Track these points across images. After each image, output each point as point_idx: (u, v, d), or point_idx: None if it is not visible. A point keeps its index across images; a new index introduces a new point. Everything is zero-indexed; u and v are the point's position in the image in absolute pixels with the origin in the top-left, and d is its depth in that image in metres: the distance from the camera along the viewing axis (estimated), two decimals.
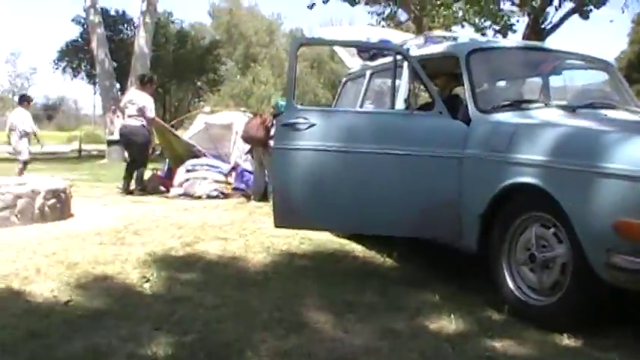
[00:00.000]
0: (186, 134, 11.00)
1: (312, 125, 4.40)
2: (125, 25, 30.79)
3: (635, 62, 38.75)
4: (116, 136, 10.86)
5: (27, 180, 7.40)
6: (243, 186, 9.49)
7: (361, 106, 5.64)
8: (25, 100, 11.89)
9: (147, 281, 4.14)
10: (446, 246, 4.43)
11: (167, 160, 10.64)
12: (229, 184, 9.66)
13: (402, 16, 21.50)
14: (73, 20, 30.00)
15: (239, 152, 9.79)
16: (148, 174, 10.01)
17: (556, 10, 18.80)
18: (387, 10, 21.48)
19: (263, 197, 8.76)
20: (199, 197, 9.09)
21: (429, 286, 4.17)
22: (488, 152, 3.86)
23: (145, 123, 9.32)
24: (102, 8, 22.03)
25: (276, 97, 11.53)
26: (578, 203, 3.16)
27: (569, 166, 3.24)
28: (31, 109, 12.04)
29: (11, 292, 3.81)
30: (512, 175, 3.61)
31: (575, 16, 18.41)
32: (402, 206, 4.22)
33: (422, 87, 4.83)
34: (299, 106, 4.71)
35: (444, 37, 5.65)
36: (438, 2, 18.42)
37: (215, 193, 9.27)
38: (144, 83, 9.78)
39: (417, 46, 5.41)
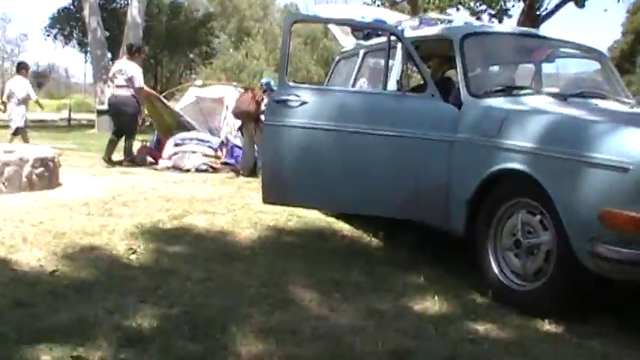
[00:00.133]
0: (176, 106, 10.93)
1: (304, 103, 4.40)
2: None
3: (627, 52, 38.86)
4: (106, 106, 10.74)
5: (15, 148, 7.37)
6: (232, 161, 9.49)
7: (353, 86, 5.64)
8: (23, 67, 11.79)
9: (134, 253, 4.15)
10: (433, 228, 4.46)
11: (156, 131, 10.60)
12: (218, 158, 9.64)
13: None
14: None
15: (229, 128, 9.76)
16: (136, 145, 9.99)
17: None
18: None
19: (252, 173, 8.77)
20: (188, 170, 9.07)
21: (415, 267, 4.19)
22: (478, 137, 3.88)
23: (134, 93, 9.28)
24: None
25: (267, 74, 11.48)
26: (565, 191, 3.19)
27: (557, 154, 3.27)
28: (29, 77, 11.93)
29: None
30: (501, 161, 3.63)
31: (571, 4, 18.40)
32: (391, 187, 4.24)
33: (415, 68, 4.83)
34: (291, 84, 4.71)
35: (439, 20, 5.65)
36: None
37: (204, 167, 9.26)
38: (132, 53, 9.72)
39: (411, 27, 5.40)
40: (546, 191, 3.28)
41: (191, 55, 35.09)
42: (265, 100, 8.56)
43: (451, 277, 4.03)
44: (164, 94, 11.76)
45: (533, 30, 6.30)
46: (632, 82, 30.96)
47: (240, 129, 9.19)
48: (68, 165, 8.42)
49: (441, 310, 3.43)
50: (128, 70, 9.28)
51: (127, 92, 9.24)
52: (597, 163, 3.04)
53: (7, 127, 11.65)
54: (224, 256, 4.23)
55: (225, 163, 9.52)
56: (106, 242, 4.37)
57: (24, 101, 11.14)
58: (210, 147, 9.66)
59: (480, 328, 3.20)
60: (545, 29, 16.65)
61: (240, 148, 9.37)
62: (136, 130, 9.79)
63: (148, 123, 11.16)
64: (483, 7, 19.25)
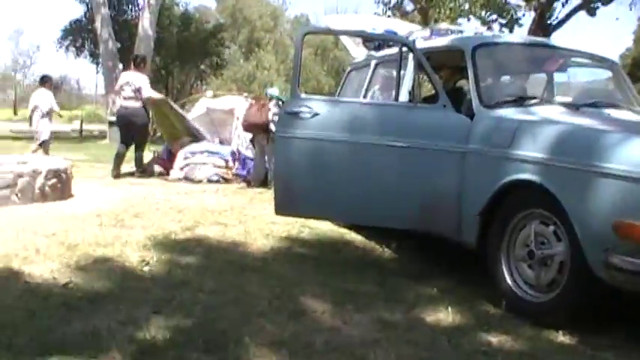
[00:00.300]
0: (187, 117, 10.98)
1: (316, 114, 4.41)
2: (129, 6, 30.57)
3: (639, 60, 38.68)
4: (114, 118, 10.81)
5: (28, 159, 7.41)
6: (244, 172, 9.51)
7: (365, 97, 5.65)
8: (46, 81, 11.92)
9: (146, 264, 4.16)
10: (446, 240, 4.44)
11: (166, 143, 10.64)
12: (229, 168, 9.67)
13: (409, 6, 21.44)
14: None
15: (240, 139, 9.78)
16: (147, 156, 10.02)
17: (563, 5, 18.77)
18: (394, 0, 21.40)
19: (263, 183, 8.80)
20: (199, 181, 9.11)
21: (428, 279, 4.19)
22: (490, 147, 3.87)
23: (143, 103, 9.34)
24: None
25: (278, 85, 11.54)
26: (578, 202, 3.18)
27: (570, 165, 3.26)
28: (51, 89, 12.04)
29: (11, 272, 3.81)
30: (513, 172, 3.62)
31: (582, 13, 18.37)
32: (403, 199, 4.24)
33: (426, 79, 4.83)
34: (303, 95, 4.72)
35: (450, 30, 5.65)
36: None
37: (215, 178, 9.30)
38: (137, 64, 9.80)
39: (422, 38, 5.41)
40: (560, 202, 3.27)
41: (202, 66, 35.15)
42: (272, 110, 8.62)
43: (464, 288, 4.01)
44: (175, 105, 11.78)
45: (544, 39, 6.30)
46: None
47: (251, 140, 9.22)
48: (80, 176, 8.44)
49: (454, 322, 3.41)
50: (135, 81, 9.33)
51: (136, 103, 9.29)
52: (611, 173, 3.03)
53: (20, 138, 11.73)
54: (236, 268, 4.23)
55: (237, 175, 9.54)
56: (119, 254, 4.38)
57: (48, 114, 11.26)
58: (221, 158, 9.69)
59: (494, 339, 3.18)
60: (557, 38, 16.66)
61: (251, 159, 9.38)
62: (147, 140, 9.83)
63: (159, 134, 11.21)
64: (494, 16, 19.22)
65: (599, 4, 17.86)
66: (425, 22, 17.66)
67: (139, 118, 9.35)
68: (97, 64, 29.83)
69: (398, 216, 4.31)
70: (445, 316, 3.48)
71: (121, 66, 22.32)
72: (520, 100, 4.32)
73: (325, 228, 5.64)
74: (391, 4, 21.43)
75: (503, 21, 18.77)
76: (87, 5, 27.85)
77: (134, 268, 4.10)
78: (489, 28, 18.29)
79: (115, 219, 5.65)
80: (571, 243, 3.26)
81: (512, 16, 18.60)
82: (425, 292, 3.92)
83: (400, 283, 4.10)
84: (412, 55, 4.60)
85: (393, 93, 4.59)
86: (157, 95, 9.78)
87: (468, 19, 19.90)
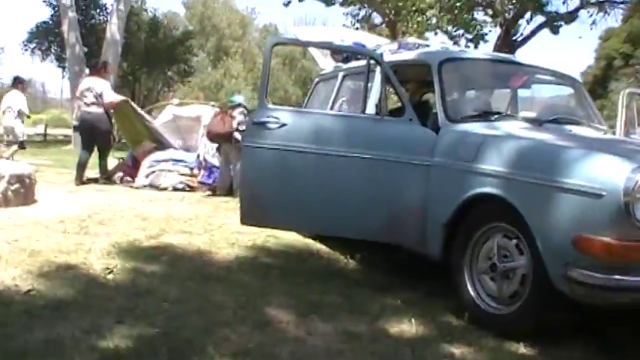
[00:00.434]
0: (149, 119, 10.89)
1: (283, 125, 4.42)
2: (97, 10, 30.30)
3: (600, 78, 39.51)
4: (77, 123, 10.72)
5: None
6: (209, 181, 9.46)
7: (332, 108, 5.68)
8: (19, 82, 11.83)
9: (110, 272, 4.12)
10: (411, 251, 4.48)
11: (130, 149, 10.54)
12: (195, 176, 9.63)
13: (377, 19, 21.61)
14: (44, 1, 29.49)
15: (206, 148, 9.75)
16: (112, 162, 9.93)
17: (527, 23, 19.12)
18: (362, 12, 21.56)
19: (229, 192, 8.78)
20: (165, 189, 9.06)
21: (392, 290, 4.22)
22: (455, 161, 3.92)
23: (106, 109, 9.24)
24: None
25: (246, 93, 11.49)
26: (540, 216, 3.24)
27: (532, 179, 3.32)
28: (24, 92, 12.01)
29: None
30: (477, 185, 3.68)
31: (546, 30, 18.72)
32: (369, 210, 4.27)
33: (393, 92, 4.87)
34: (271, 106, 4.73)
35: (418, 44, 5.72)
36: (413, 8, 18.51)
37: (181, 186, 9.25)
38: (98, 69, 9.74)
39: (390, 51, 5.47)
40: (522, 216, 3.33)
41: (169, 73, 34.94)
42: (238, 119, 8.62)
43: (428, 300, 4.05)
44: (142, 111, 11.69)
45: (509, 56, 6.39)
46: (605, 106, 31.52)
47: (218, 149, 9.21)
48: (44, 181, 8.35)
49: (417, 333, 3.45)
50: (97, 86, 9.22)
51: (99, 109, 9.17)
52: (571, 188, 3.10)
53: None
54: (201, 277, 4.21)
55: (203, 183, 9.50)
56: (83, 261, 4.34)
57: (20, 115, 11.17)
58: (186, 166, 9.65)
59: (456, 350, 3.22)
60: (521, 54, 16.93)
61: (217, 167, 9.35)
62: (110, 147, 9.74)
63: (123, 140, 11.11)
64: (461, 31, 19.46)
65: (562, 23, 18.21)
66: (393, 36, 17.83)
67: (102, 124, 9.24)
68: (64, 68, 29.47)
69: (364, 227, 4.34)
70: (409, 327, 3.51)
71: (87, 71, 22.11)
72: (485, 115, 4.39)
73: (291, 238, 5.65)
74: (360, 17, 21.61)
75: (470, 36, 19.03)
76: (54, 8, 27.54)
77: (98, 275, 4.06)
78: (456, 43, 18.58)
79: (79, 226, 5.59)
80: (533, 256, 3.32)
81: (478, 31, 18.86)
82: (389, 303, 3.94)
83: (365, 294, 4.12)
84: (379, 68, 4.64)
85: (360, 105, 4.62)
86: (118, 98, 9.64)
87: (435, 34, 20.16)
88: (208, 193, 9.01)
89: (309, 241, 5.61)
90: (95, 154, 9.41)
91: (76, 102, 18.37)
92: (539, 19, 18.73)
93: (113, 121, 9.74)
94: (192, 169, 9.70)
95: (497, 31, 18.95)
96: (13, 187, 6.39)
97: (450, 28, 19.67)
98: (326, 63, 6.46)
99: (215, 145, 9.28)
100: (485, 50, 17.57)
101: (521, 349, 3.30)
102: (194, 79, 43.95)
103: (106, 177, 9.48)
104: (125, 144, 11.12)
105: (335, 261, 5.08)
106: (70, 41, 20.00)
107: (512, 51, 17.13)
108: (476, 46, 18.73)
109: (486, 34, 19.25)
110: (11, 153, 10.93)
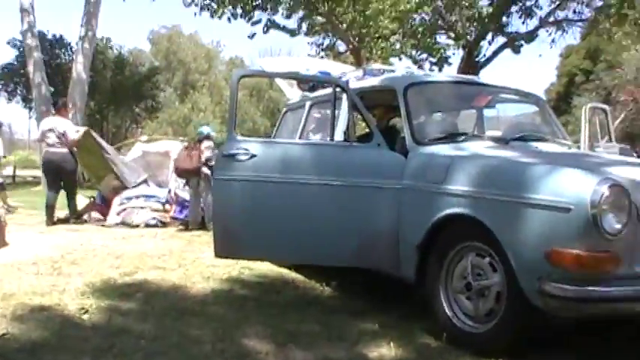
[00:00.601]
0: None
1: (253, 156, 4.43)
2: (62, 50, 30.22)
3: (563, 94, 40.28)
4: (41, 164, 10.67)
5: None
6: (181, 215, 9.42)
7: (301, 137, 5.71)
8: None
9: (85, 312, 4.07)
10: (386, 275, 4.50)
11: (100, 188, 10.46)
12: (167, 212, 9.59)
13: (341, 47, 21.78)
14: (8, 43, 29.32)
15: (177, 182, 9.71)
16: (82, 201, 9.84)
17: (489, 44, 19.40)
18: (326, 41, 21.75)
19: (201, 225, 8.77)
20: (137, 226, 8.99)
21: (369, 314, 4.22)
22: (424, 183, 3.96)
23: (69, 148, 9.18)
24: (39, 32, 21.61)
25: (214, 126, 11.52)
26: (511, 233, 3.29)
27: (501, 197, 3.37)
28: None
29: None
30: (448, 206, 3.72)
31: (507, 51, 19.02)
32: (342, 237, 4.28)
33: (360, 118, 4.91)
34: (239, 137, 4.74)
35: (383, 70, 5.79)
36: (376, 35, 18.72)
37: (153, 222, 9.19)
38: (58, 109, 9.74)
39: (355, 78, 5.52)
40: (493, 234, 3.37)
41: (137, 110, 34.87)
42: (205, 154, 8.65)
43: (405, 322, 4.06)
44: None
45: (473, 77, 6.50)
46: (569, 121, 32.07)
47: (186, 183, 9.19)
48: (14, 223, 8.25)
49: (396, 356, 3.45)
50: (59, 126, 9.16)
51: (63, 149, 9.11)
52: (540, 204, 3.15)
53: None
54: (177, 312, 4.17)
55: (175, 218, 9.46)
56: (57, 302, 4.27)
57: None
58: (157, 201, 9.61)
59: None
60: (485, 75, 17.19)
61: (189, 201, 9.32)
62: (76, 186, 9.67)
63: (94, 179, 11.02)
64: (424, 55, 19.70)
65: (523, 42, 18.52)
66: (358, 63, 17.96)
67: (68, 164, 9.17)
68: (30, 108, 29.28)
69: (337, 254, 4.35)
70: (388, 351, 3.51)
71: (54, 110, 21.97)
72: (452, 137, 4.45)
73: (265, 269, 5.63)
74: (324, 46, 21.77)
75: (434, 60, 19.25)
76: (19, 49, 27.38)
77: (73, 316, 4.00)
78: (420, 67, 18.79)
79: (52, 267, 5.52)
80: (506, 273, 3.35)
81: (441, 55, 19.11)
82: (367, 328, 3.94)
83: (342, 320, 4.11)
84: (346, 96, 4.69)
85: (329, 133, 4.65)
86: (80, 131, 9.52)
87: (400, 59, 20.36)
88: (181, 227, 8.97)
89: (284, 271, 5.60)
90: (63, 194, 9.30)
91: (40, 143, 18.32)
92: (501, 39, 19.04)
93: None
94: (164, 204, 9.66)
95: (460, 53, 19.19)
96: None
97: (413, 52, 19.90)
98: (293, 93, 6.50)
99: (184, 180, 9.27)
100: (450, 73, 17.84)
101: None
102: (162, 115, 43.90)
103: (77, 216, 9.38)
104: (95, 183, 11.01)
105: (310, 289, 5.07)
106: (35, 81, 19.84)
107: (475, 72, 17.36)
108: (440, 69, 18.95)
109: (450, 57, 19.49)
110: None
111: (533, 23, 18.48)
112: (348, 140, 4.58)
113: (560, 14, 18.52)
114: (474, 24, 18.66)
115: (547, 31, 18.93)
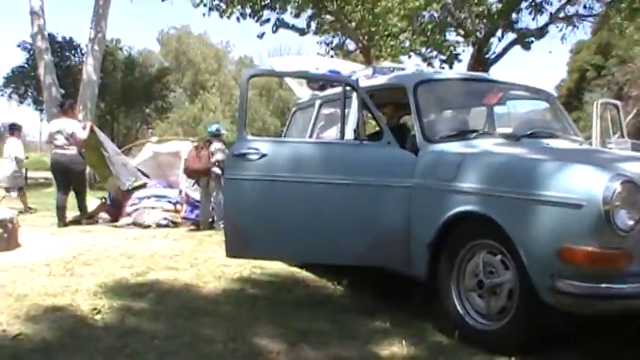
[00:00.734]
0: (134, 161, 10.89)
1: (264, 155, 4.43)
2: (73, 52, 30.44)
3: (573, 90, 40.08)
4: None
5: None
6: (192, 216, 9.44)
7: (311, 136, 5.71)
8: (16, 129, 11.92)
9: (98, 313, 4.08)
10: (397, 273, 4.49)
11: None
12: (178, 212, 9.62)
13: (351, 45, 21.75)
14: (19, 46, 29.59)
15: (188, 182, 9.74)
16: (94, 202, 9.88)
17: (499, 40, 19.30)
18: (336, 40, 21.73)
19: (210, 225, 8.79)
20: (149, 226, 9.02)
21: (381, 313, 4.21)
22: (435, 181, 3.95)
23: (78, 148, 9.22)
24: (49, 34, 21.72)
25: (224, 126, 11.52)
26: (523, 230, 3.27)
27: (512, 194, 3.35)
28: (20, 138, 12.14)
29: None
30: (459, 204, 3.71)
31: (518, 47, 18.93)
32: (352, 236, 4.27)
33: (370, 117, 4.91)
34: (250, 137, 4.74)
35: (392, 68, 5.78)
36: (386, 33, 18.67)
37: (165, 222, 9.22)
38: (65, 110, 9.72)
39: (365, 76, 5.51)
40: (505, 231, 3.36)
41: (147, 110, 35.03)
42: (216, 156, 8.66)
43: (417, 320, 4.05)
44: (122, 149, 11.67)
45: (483, 74, 6.49)
46: (580, 117, 31.92)
47: (196, 182, 9.21)
48: (27, 225, 8.29)
49: (408, 354, 3.44)
50: (67, 127, 9.17)
51: (72, 150, 9.14)
52: (551, 201, 3.13)
53: None
54: (189, 312, 4.18)
55: (186, 218, 9.48)
56: (70, 303, 4.29)
57: (18, 162, 11.28)
58: (169, 202, 9.63)
59: None
60: (495, 72, 17.12)
61: (199, 202, 9.34)
62: (86, 187, 9.70)
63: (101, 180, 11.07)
64: (434, 53, 19.64)
65: (533, 39, 18.42)
66: (367, 61, 17.93)
67: (76, 165, 9.19)
68: (41, 110, 29.47)
69: (348, 253, 4.34)
70: (399, 349, 3.51)
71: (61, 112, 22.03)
72: (462, 134, 4.43)
73: (277, 268, 5.64)
74: (333, 45, 21.75)
75: (444, 57, 19.18)
76: (29, 52, 27.57)
77: (85, 316, 4.01)
78: (430, 65, 18.75)
79: (65, 268, 5.55)
80: (518, 271, 3.34)
81: (451, 52, 19.04)
82: (378, 326, 3.94)
83: (353, 318, 4.11)
84: (356, 94, 4.68)
85: (339, 131, 4.65)
86: (87, 128, 9.55)
87: (409, 57, 20.30)
88: (192, 227, 8.99)
89: (295, 270, 5.60)
90: (73, 196, 9.33)
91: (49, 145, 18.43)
92: (511, 36, 18.93)
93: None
94: (175, 204, 9.69)
95: (470, 50, 19.08)
96: None
97: (423, 50, 19.84)
98: (302, 92, 6.50)
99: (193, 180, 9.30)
100: (460, 70, 17.76)
101: None
102: (172, 115, 44.06)
103: (88, 217, 9.42)
104: (103, 182, 11.06)
105: (321, 288, 5.07)
106: (46, 84, 19.93)
107: (486, 69, 17.31)
108: (450, 67, 18.87)
109: (459, 54, 19.42)
110: (20, 196, 11.14)
111: (543, 19, 18.34)
112: (359, 139, 4.57)
113: (571, 9, 18.36)
114: (484, 21, 18.55)
115: (557, 26, 18.79)
